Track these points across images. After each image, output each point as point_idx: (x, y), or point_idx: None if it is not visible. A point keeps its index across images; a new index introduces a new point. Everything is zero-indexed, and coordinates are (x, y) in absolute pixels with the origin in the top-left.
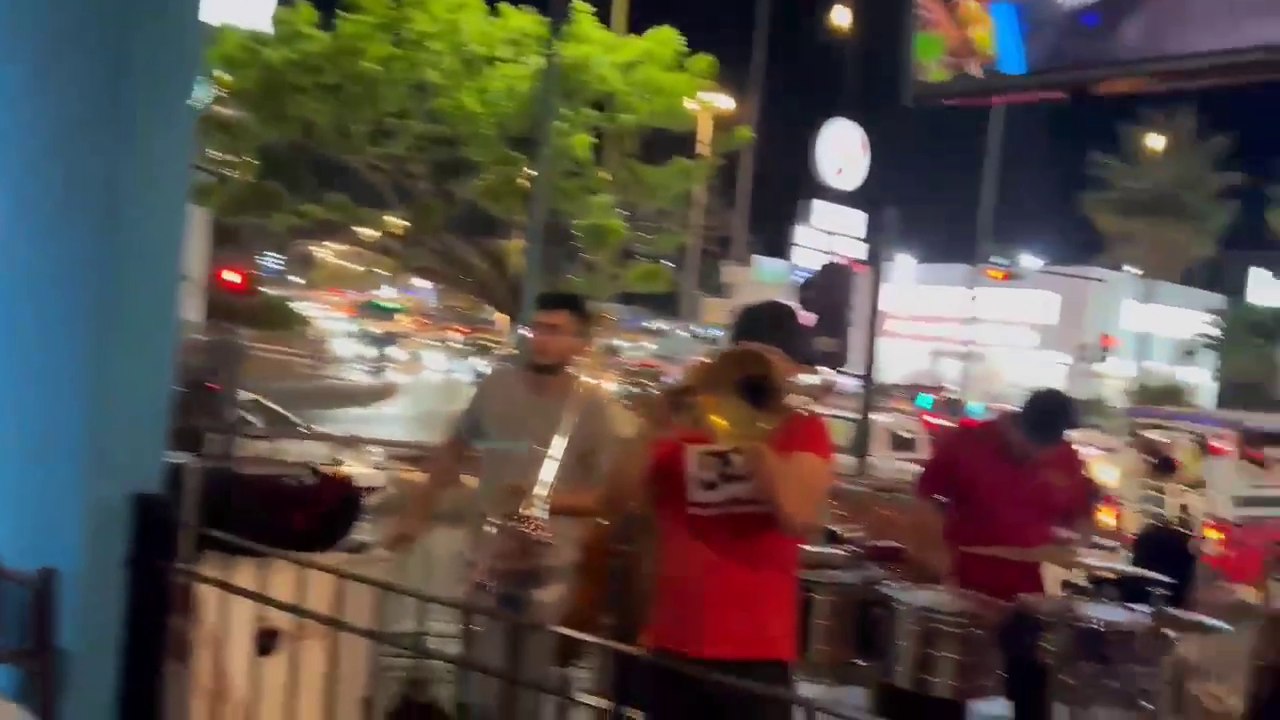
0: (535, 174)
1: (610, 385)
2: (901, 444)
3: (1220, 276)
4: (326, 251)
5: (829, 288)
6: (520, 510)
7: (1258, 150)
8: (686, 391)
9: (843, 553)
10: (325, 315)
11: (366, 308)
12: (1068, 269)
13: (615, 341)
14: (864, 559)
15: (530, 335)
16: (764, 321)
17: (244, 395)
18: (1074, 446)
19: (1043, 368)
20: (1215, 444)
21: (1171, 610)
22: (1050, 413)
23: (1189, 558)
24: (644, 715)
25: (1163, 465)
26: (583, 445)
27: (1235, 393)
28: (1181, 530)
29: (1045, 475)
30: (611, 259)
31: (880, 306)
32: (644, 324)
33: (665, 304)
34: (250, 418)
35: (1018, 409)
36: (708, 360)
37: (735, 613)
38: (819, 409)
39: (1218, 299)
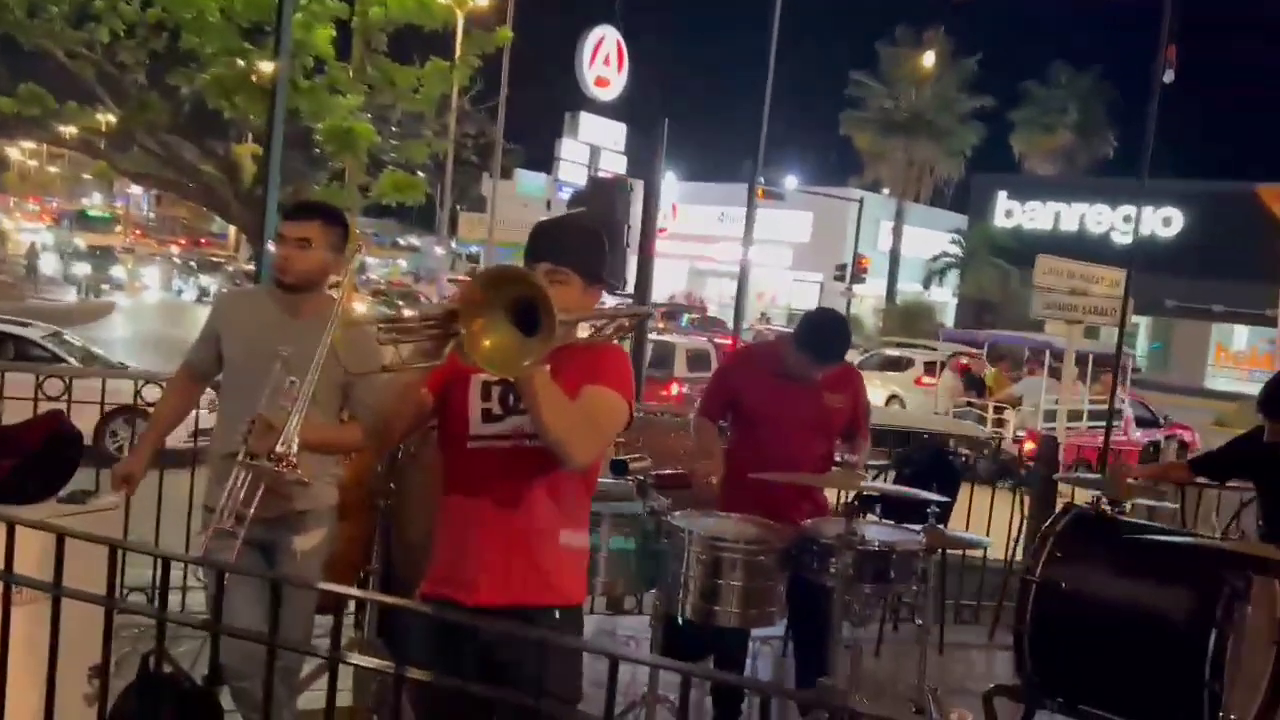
0: (271, 69)
1: (359, 305)
2: (698, 363)
3: (967, 199)
4: (19, 151)
5: (598, 205)
6: (271, 447)
7: (1004, 74)
8: (450, 317)
9: (628, 483)
10: (22, 226)
11: (74, 217)
12: (824, 189)
13: (364, 258)
14: (650, 488)
15: (277, 250)
16: (557, 238)
17: None
18: (851, 366)
19: (799, 287)
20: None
21: (942, 528)
22: (828, 334)
23: (956, 473)
24: (422, 672)
25: (974, 385)
26: (341, 373)
27: (973, 311)
28: (948, 448)
29: (824, 396)
30: (359, 167)
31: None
32: (396, 240)
33: (419, 218)
34: None
35: (795, 330)
36: (471, 282)
37: (517, 556)
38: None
39: (963, 220)
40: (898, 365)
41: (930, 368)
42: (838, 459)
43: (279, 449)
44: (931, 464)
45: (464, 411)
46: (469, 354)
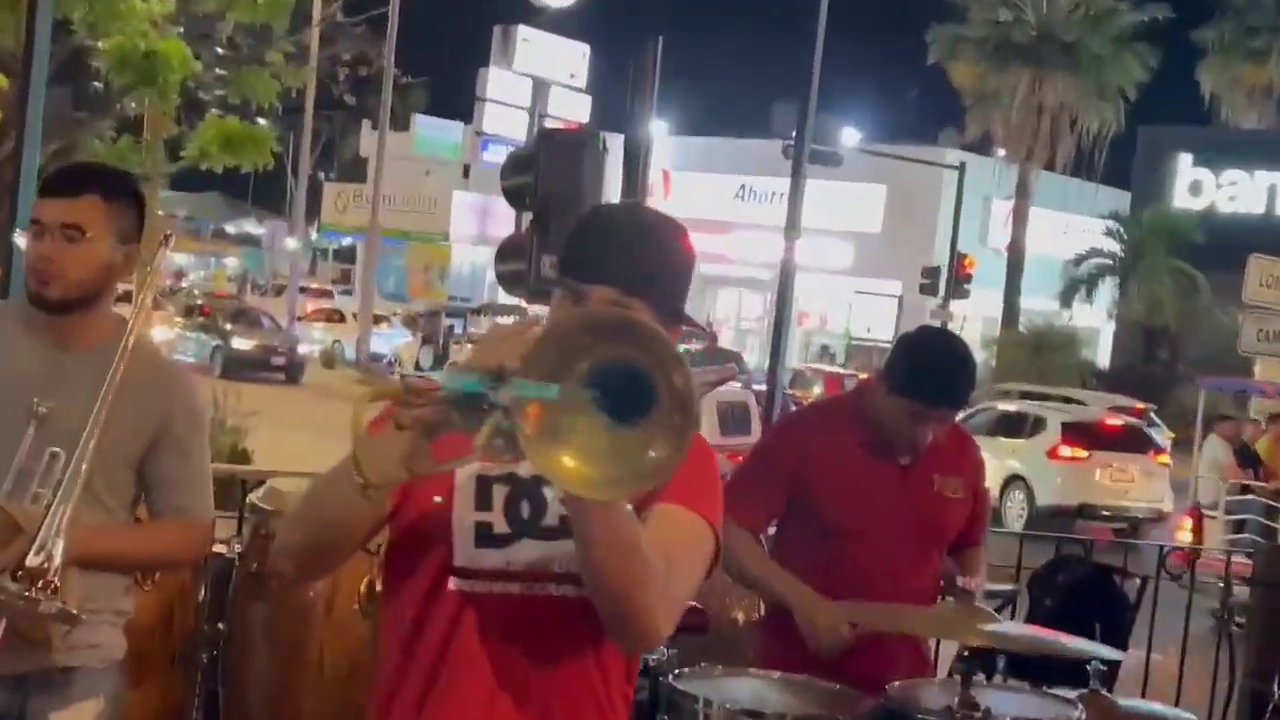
0: None
1: (162, 331)
2: (731, 424)
3: (1129, 165)
4: None
5: (550, 173)
6: (19, 560)
7: None
8: (496, 381)
9: None
10: None
11: None
12: (904, 148)
13: (172, 256)
14: None
15: (31, 244)
16: (626, 249)
17: None
18: (964, 431)
19: (865, 303)
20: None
21: (1112, 696)
22: (942, 363)
23: (1125, 604)
24: None
25: (1249, 460)
26: (139, 436)
27: (1141, 341)
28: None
29: (934, 481)
30: (167, 111)
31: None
32: (222, 226)
33: (261, 192)
34: None
35: (888, 363)
36: (530, 329)
37: None
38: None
39: (1123, 199)
40: (1018, 427)
41: (1077, 431)
42: (951, 585)
43: (31, 562)
44: (1089, 589)
45: (442, 525)
46: (530, 452)
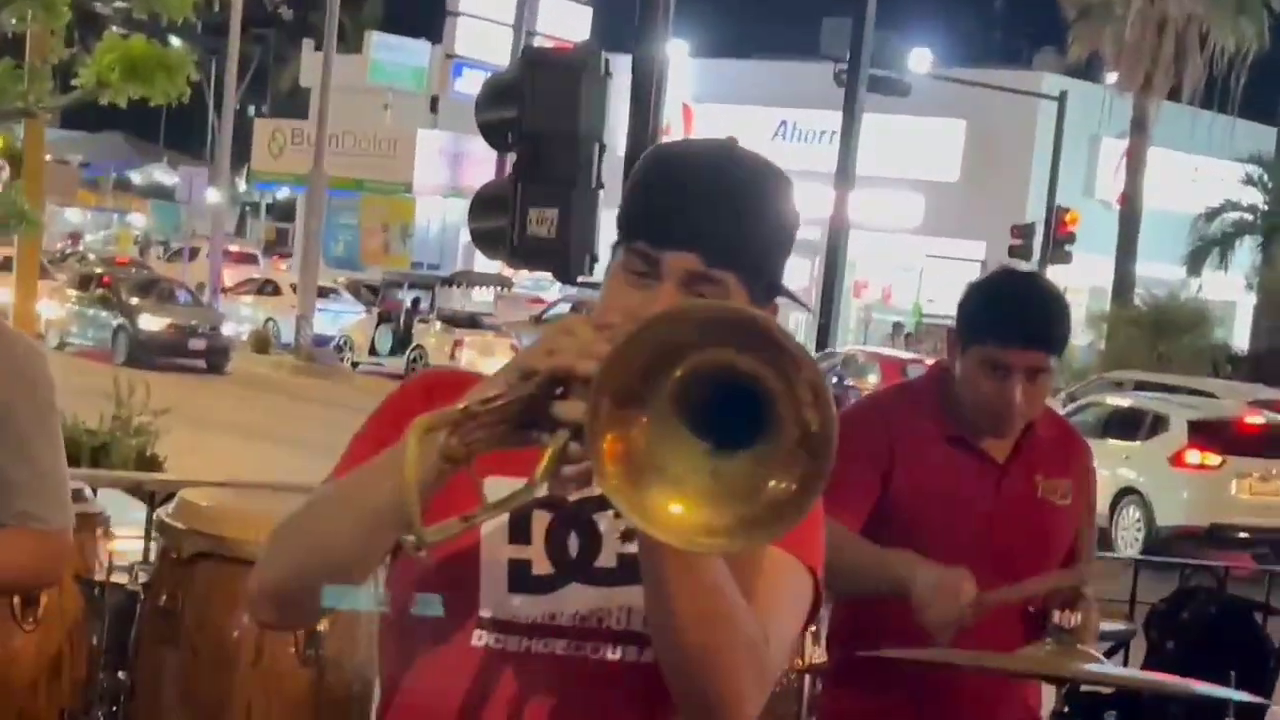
0: None
1: (50, 306)
2: None
3: (1270, 94)
4: None
5: (542, 103)
6: None
7: None
8: (547, 392)
9: None
10: None
11: None
12: (986, 74)
13: (62, 211)
14: None
15: None
16: (713, 204)
17: None
18: (1070, 427)
19: (939, 269)
20: None
21: None
22: (1021, 295)
23: (1266, 647)
24: None
25: None
26: None
27: None
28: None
29: (1037, 483)
30: (56, 29)
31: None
32: (126, 174)
33: (175, 132)
34: None
35: (955, 327)
36: (605, 320)
37: None
38: None
39: (1266, 137)
40: (1133, 428)
41: (1207, 432)
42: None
43: None
44: (1221, 629)
45: (465, 562)
46: (610, 490)
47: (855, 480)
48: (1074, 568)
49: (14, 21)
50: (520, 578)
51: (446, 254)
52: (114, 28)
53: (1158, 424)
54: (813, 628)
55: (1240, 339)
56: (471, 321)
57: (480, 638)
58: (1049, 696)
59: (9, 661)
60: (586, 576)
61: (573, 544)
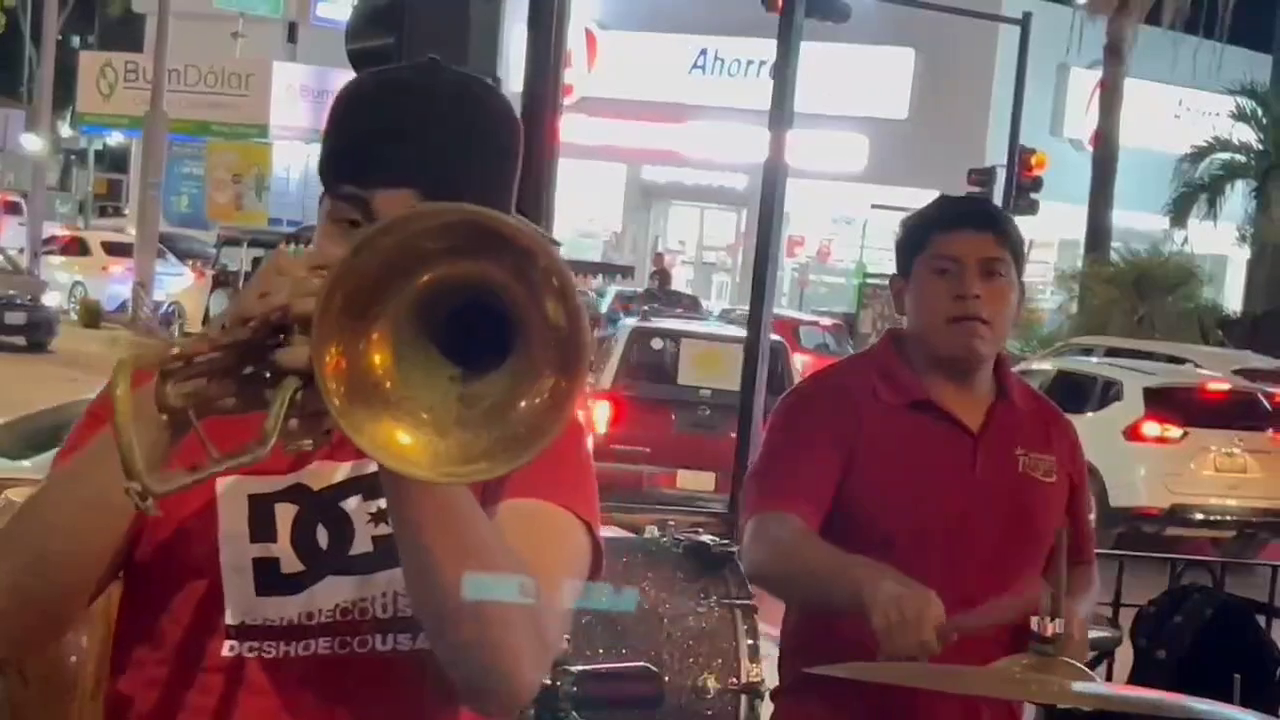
0: None
1: None
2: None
3: (1272, 20)
4: None
5: (426, 29)
6: None
7: None
8: (280, 322)
9: None
10: None
11: None
12: None
13: None
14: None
15: None
16: (430, 127)
17: None
18: (1052, 405)
19: (885, 222)
20: None
21: None
22: (959, 198)
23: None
24: None
25: None
26: None
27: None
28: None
29: (1018, 456)
30: None
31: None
32: None
33: None
34: None
35: (901, 230)
36: (323, 265)
37: None
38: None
39: (1260, 65)
40: (1082, 396)
41: (1165, 401)
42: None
43: None
44: (1220, 634)
45: (202, 564)
46: (346, 426)
47: (817, 463)
48: (1056, 578)
49: None
50: (269, 578)
51: (310, 209)
52: None
53: (1110, 392)
54: (749, 642)
55: (1233, 299)
56: None
57: (232, 648)
58: (1032, 707)
59: None
60: (341, 567)
61: (322, 535)
